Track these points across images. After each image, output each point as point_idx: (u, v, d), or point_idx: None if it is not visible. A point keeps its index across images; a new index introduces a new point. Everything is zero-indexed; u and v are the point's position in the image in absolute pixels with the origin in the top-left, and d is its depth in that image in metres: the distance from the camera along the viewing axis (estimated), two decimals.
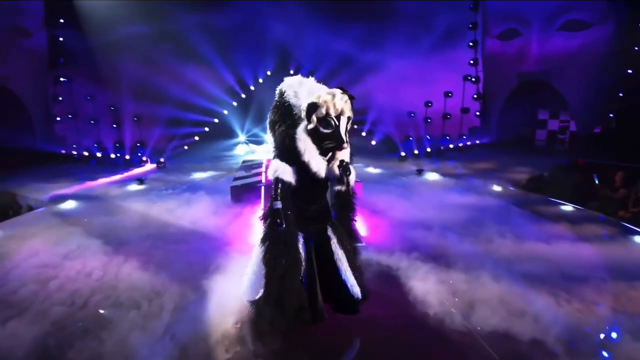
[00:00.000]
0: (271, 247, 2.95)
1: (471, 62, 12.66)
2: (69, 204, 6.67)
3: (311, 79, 3.17)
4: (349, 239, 3.34)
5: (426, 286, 3.73)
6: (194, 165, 9.76)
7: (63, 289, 3.76)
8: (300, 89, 3.07)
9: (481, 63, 12.82)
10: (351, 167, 3.03)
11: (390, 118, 12.58)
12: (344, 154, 3.10)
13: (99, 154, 10.48)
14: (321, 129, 2.91)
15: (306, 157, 2.92)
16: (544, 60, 11.80)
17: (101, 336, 3.08)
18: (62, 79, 11.26)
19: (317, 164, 2.93)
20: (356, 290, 3.15)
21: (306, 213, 3.11)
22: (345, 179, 2.96)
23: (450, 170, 9.20)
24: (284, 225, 2.90)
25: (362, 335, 3.23)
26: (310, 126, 2.93)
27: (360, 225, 5.39)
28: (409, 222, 5.53)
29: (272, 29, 11.69)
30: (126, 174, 9.04)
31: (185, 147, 10.87)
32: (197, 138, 11.70)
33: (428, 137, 12.25)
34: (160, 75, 11.06)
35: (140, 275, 4.04)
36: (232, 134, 12.28)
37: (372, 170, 9.36)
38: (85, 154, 10.75)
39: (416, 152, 11.12)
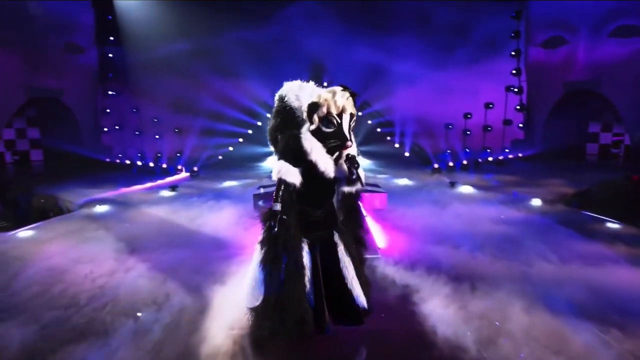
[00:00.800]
0: (270, 251, 2.68)
1: (513, 72, 11.89)
2: (99, 209, 6.73)
3: (311, 84, 2.92)
4: (356, 245, 3.04)
5: (443, 310, 3.24)
6: (226, 174, 9.70)
7: (64, 292, 3.64)
8: (301, 92, 2.85)
9: (524, 73, 12.01)
10: (352, 164, 2.69)
11: (425, 130, 12.02)
12: (354, 151, 2.80)
13: (139, 163, 10.72)
14: (324, 129, 2.67)
15: (313, 156, 2.66)
16: (593, 68, 10.81)
17: (90, 342, 2.87)
18: (110, 93, 11.72)
19: (325, 163, 2.67)
20: (362, 300, 2.84)
21: (312, 218, 2.84)
22: (354, 172, 2.64)
23: (486, 184, 8.47)
24: (276, 229, 2.61)
25: (366, 349, 2.89)
26: (313, 127, 2.69)
27: (380, 237, 4.94)
28: (434, 237, 5.01)
29: (307, 43, 11.58)
30: (160, 182, 9.10)
31: (220, 157, 10.90)
32: (231, 149, 11.71)
33: (467, 150, 11.54)
34: (198, 89, 11.27)
35: (145, 282, 3.83)
36: (265, 145, 12.23)
37: (401, 181, 8.83)
38: (128, 162, 11.03)
39: (451, 164, 10.43)
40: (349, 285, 2.84)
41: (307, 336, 2.75)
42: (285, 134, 2.82)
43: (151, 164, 10.52)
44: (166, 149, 11.21)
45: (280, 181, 2.69)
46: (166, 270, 4.09)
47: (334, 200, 3.01)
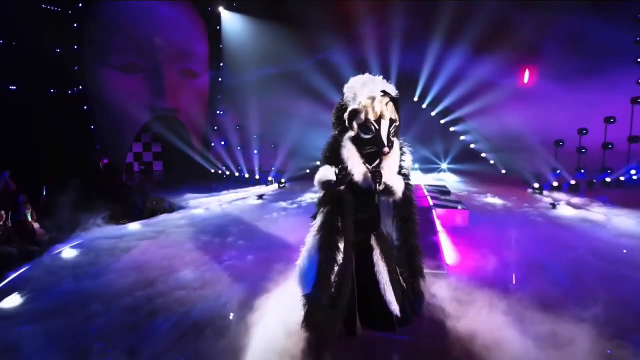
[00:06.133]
0: (329, 237, 2.73)
1: (639, 81, 10.43)
2: (195, 211, 7.69)
3: (379, 78, 2.93)
4: (409, 255, 3.02)
5: (489, 334, 3.01)
6: (309, 187, 10.20)
7: (137, 280, 4.23)
8: (362, 90, 2.84)
9: None
10: (387, 175, 2.73)
11: (527, 146, 11.10)
12: (393, 161, 2.85)
13: (237, 174, 11.88)
14: (362, 135, 2.77)
15: (349, 165, 2.78)
16: None
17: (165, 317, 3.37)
18: (218, 112, 13.28)
19: (359, 172, 2.77)
20: (394, 307, 2.84)
21: (356, 222, 2.89)
22: (375, 186, 2.67)
23: (595, 206, 7.49)
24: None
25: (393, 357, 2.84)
26: (352, 133, 2.81)
27: (451, 254, 4.78)
28: (514, 259, 4.66)
29: (397, 60, 11.69)
30: (252, 190, 10.01)
31: (307, 171, 11.49)
32: (318, 163, 12.21)
33: (582, 170, 10.36)
34: (289, 109, 12.12)
35: (222, 275, 4.33)
36: None
37: (492, 200, 8.32)
38: (228, 173, 12.28)
39: (555, 184, 9.45)
40: (381, 291, 2.86)
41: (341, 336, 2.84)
42: (332, 137, 2.96)
43: (246, 175, 11.60)
44: (261, 162, 12.21)
45: (323, 183, 2.81)
46: (240, 264, 4.58)
47: (381, 207, 3.06)
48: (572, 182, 9.54)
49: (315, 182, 2.90)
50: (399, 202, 3.02)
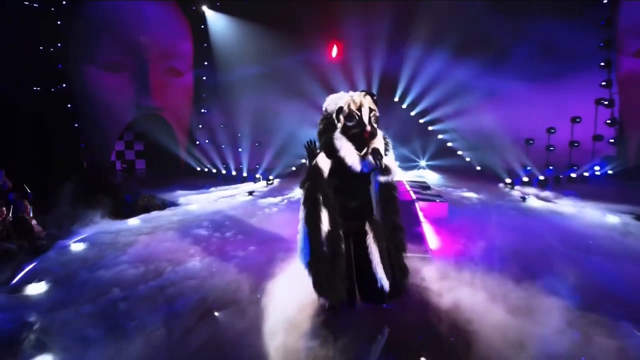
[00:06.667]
0: (312, 208, 3.22)
1: (603, 83, 11.31)
2: (189, 207, 8.06)
3: (349, 93, 3.51)
4: (392, 232, 3.50)
5: (470, 305, 3.56)
6: (297, 183, 10.62)
7: (148, 271, 4.60)
8: (339, 101, 3.46)
9: (615, 84, 11.33)
10: (382, 152, 3.26)
11: (500, 145, 11.84)
12: (379, 142, 3.36)
13: (224, 172, 12.20)
14: (348, 123, 3.33)
15: (342, 153, 3.28)
16: None
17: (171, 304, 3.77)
18: (203, 110, 13.51)
19: (352, 158, 3.27)
20: (384, 283, 3.33)
21: (347, 209, 3.40)
22: (378, 162, 3.17)
23: (563, 200, 8.23)
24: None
25: (386, 325, 3.33)
26: (340, 125, 3.37)
27: (433, 240, 5.34)
28: (489, 245, 5.25)
29: (377, 61, 12.20)
30: (240, 188, 10.35)
31: (293, 168, 11.90)
32: (303, 161, 12.68)
33: (550, 167, 11.17)
34: (274, 107, 12.48)
35: (224, 264, 4.71)
36: None
37: (468, 194, 8.99)
38: (214, 171, 12.61)
39: (526, 179, 10.21)
40: (373, 270, 3.35)
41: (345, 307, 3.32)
42: (324, 136, 3.48)
43: (234, 173, 11.93)
44: (247, 160, 12.54)
45: (313, 166, 3.33)
46: (244, 255, 5.01)
47: (371, 193, 3.56)
48: (541, 177, 10.33)
49: (307, 169, 3.44)
50: (384, 185, 3.50)
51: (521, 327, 3.26)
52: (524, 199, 8.25)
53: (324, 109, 3.64)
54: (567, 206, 7.60)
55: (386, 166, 3.27)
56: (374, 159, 3.21)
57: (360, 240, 3.41)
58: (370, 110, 3.35)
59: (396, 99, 12.97)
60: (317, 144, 3.57)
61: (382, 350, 3.00)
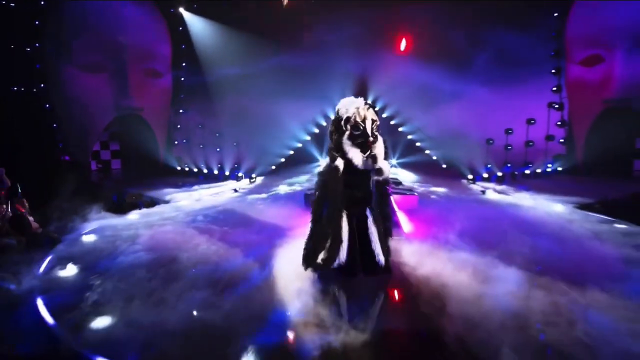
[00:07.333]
0: (320, 197, 4.32)
1: (554, 88, 12.74)
2: (180, 203, 8.73)
3: (360, 99, 4.36)
4: (383, 220, 4.47)
5: (448, 279, 4.51)
6: (279, 181, 11.42)
7: (161, 257, 5.29)
8: (350, 107, 4.28)
9: (565, 89, 12.79)
10: (379, 158, 4.17)
11: (464, 144, 13.00)
12: (378, 151, 4.24)
13: (205, 170, 12.79)
14: (354, 132, 4.19)
15: (350, 155, 4.18)
16: (630, 86, 11.43)
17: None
18: (180, 111, 13.99)
19: (357, 159, 4.18)
20: (381, 258, 4.28)
21: (353, 197, 4.34)
22: (373, 166, 4.13)
23: (517, 193, 9.49)
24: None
25: (382, 291, 4.30)
26: (347, 133, 4.21)
27: (407, 225, 6.32)
28: (453, 230, 6.23)
29: (349, 65, 13.07)
30: (224, 186, 11.04)
31: (273, 167, 12.64)
32: (283, 160, 13.50)
33: (509, 164, 12.46)
34: (252, 108, 13.15)
35: (222, 253, 5.49)
36: (312, 158, 13.94)
37: (435, 189, 10.15)
38: (195, 170, 13.16)
39: (486, 175, 11.48)
40: (372, 247, 4.30)
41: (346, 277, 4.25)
42: (337, 138, 4.34)
43: (215, 172, 12.55)
44: (227, 159, 13.15)
45: (331, 167, 4.24)
46: (246, 242, 5.81)
47: (371, 185, 4.47)
48: (499, 174, 11.64)
49: (320, 168, 4.48)
50: (378, 182, 4.42)
51: (481, 289, 4.22)
52: (483, 192, 9.45)
53: (336, 110, 4.41)
54: (520, 198, 8.84)
55: (380, 168, 4.16)
56: (371, 162, 4.13)
57: (362, 223, 4.33)
58: (373, 121, 4.20)
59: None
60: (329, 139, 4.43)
61: (379, 309, 3.92)
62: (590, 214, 7.47)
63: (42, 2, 11.42)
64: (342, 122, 4.23)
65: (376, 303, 4.02)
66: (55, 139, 12.20)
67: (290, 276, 4.45)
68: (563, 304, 3.91)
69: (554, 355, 3.19)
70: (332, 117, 4.51)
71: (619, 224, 6.71)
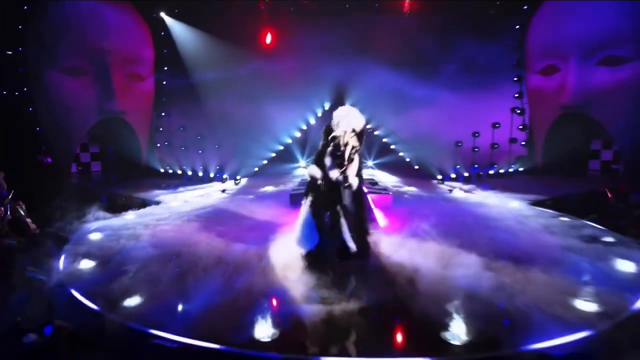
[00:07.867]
0: (315, 206, 5.19)
1: (516, 95, 13.98)
2: (171, 204, 9.36)
3: (356, 111, 5.22)
4: (361, 223, 5.46)
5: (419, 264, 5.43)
6: (263, 182, 12.18)
7: (168, 253, 6.00)
8: (343, 121, 5.14)
9: (526, 96, 14.05)
10: (350, 178, 5.11)
11: (435, 146, 14.02)
12: (352, 169, 5.20)
13: (189, 172, 13.39)
14: (336, 152, 5.10)
15: (327, 169, 5.12)
16: (583, 93, 12.77)
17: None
18: (162, 114, 14.47)
19: (333, 174, 5.17)
20: (351, 245, 5.25)
21: (328, 198, 5.27)
22: (343, 183, 5.13)
23: (480, 192, 10.62)
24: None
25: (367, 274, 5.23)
26: (330, 149, 5.15)
27: (382, 220, 7.27)
28: (423, 223, 7.23)
29: (327, 71, 13.89)
30: (210, 187, 11.71)
31: (256, 169, 13.36)
32: (265, 162, 14.24)
33: (476, 165, 13.59)
34: (230, 112, 13.79)
35: (223, 247, 6.24)
36: (294, 160, 14.73)
37: (408, 188, 11.21)
38: (179, 172, 13.75)
39: (454, 176, 12.61)
40: (344, 236, 5.28)
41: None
42: (322, 147, 5.21)
43: (200, 174, 13.16)
44: (210, 161, 13.75)
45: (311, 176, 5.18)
46: (244, 237, 6.59)
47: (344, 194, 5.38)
48: (466, 174, 12.80)
49: (307, 173, 5.33)
50: (355, 191, 5.36)
51: (448, 273, 5.16)
52: (450, 191, 10.55)
53: (333, 116, 5.29)
54: (484, 196, 9.97)
55: (349, 184, 5.10)
56: (343, 179, 5.10)
57: (336, 217, 5.26)
58: (353, 147, 5.07)
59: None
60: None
61: (353, 288, 4.83)
62: (544, 209, 8.62)
63: (25, 7, 11.73)
64: (330, 139, 5.10)
65: (361, 282, 4.93)
66: (38, 142, 12.48)
67: (286, 264, 5.31)
68: (508, 283, 4.89)
69: (497, 319, 4.15)
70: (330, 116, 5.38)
71: (568, 217, 7.87)
